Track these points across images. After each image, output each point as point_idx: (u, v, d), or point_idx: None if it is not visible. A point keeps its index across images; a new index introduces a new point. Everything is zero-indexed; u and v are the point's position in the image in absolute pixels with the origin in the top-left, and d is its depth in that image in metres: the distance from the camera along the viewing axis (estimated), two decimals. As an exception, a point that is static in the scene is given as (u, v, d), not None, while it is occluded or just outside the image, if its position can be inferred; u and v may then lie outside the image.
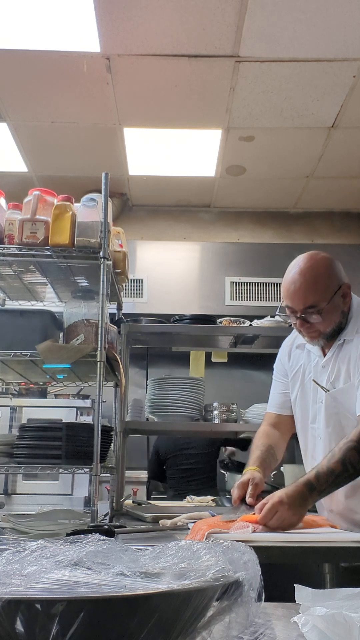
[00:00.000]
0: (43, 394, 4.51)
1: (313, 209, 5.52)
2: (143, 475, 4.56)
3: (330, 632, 0.75)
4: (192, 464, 4.39)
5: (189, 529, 1.78)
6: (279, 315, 2.04)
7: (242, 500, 1.85)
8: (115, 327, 2.77)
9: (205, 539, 1.48)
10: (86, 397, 4.50)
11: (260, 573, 0.75)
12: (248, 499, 1.83)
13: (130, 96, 3.90)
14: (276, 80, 3.71)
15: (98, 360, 2.33)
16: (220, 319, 3.44)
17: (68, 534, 1.54)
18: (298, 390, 2.07)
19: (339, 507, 1.90)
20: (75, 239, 2.41)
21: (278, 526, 1.63)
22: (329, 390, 1.92)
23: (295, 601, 0.85)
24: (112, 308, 2.82)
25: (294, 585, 0.86)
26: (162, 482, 4.67)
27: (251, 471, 1.94)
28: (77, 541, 0.84)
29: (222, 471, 4.04)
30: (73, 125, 4.25)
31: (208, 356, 3.48)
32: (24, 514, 2.64)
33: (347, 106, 3.96)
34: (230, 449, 4.36)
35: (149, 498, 4.38)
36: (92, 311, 2.53)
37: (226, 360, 3.54)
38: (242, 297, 5.09)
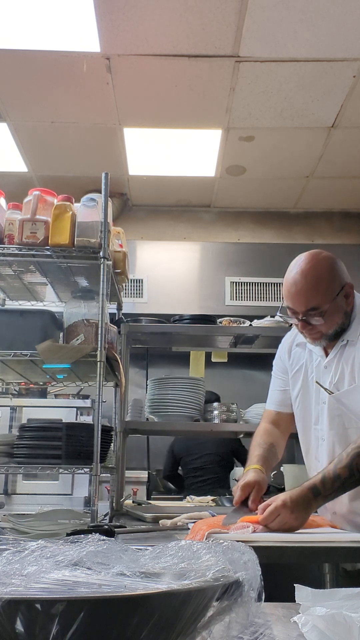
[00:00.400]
0: (43, 394, 4.51)
1: (313, 209, 5.52)
2: (143, 475, 4.56)
3: (330, 632, 0.75)
4: (205, 462, 4.41)
5: (189, 529, 1.78)
6: (280, 316, 2.01)
7: (244, 501, 1.83)
8: (115, 327, 2.77)
9: (205, 539, 1.48)
10: (86, 397, 4.50)
11: (260, 573, 0.75)
12: (251, 505, 1.80)
13: (130, 96, 3.90)
14: (276, 80, 3.71)
15: (98, 360, 2.33)
16: (220, 319, 3.44)
17: (68, 534, 1.54)
18: (299, 390, 2.04)
19: (342, 510, 1.89)
20: (75, 239, 2.42)
21: (279, 529, 1.62)
22: (332, 393, 1.89)
23: (295, 601, 0.85)
24: (112, 308, 2.81)
25: (294, 585, 0.86)
26: (176, 481, 4.67)
27: (254, 471, 1.91)
28: (77, 541, 0.84)
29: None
30: (73, 125, 4.25)
31: (208, 356, 3.48)
32: (24, 514, 2.63)
33: (347, 106, 3.96)
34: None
35: (149, 498, 4.38)
36: (92, 311, 2.53)
37: (226, 360, 3.54)
38: (242, 297, 5.09)
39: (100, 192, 2.49)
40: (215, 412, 3.17)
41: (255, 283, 5.11)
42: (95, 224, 2.44)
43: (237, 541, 0.83)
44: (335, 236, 5.47)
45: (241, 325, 3.37)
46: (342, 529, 1.83)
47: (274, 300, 4.96)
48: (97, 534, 0.88)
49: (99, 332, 2.37)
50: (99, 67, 3.62)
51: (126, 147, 4.50)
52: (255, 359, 4.72)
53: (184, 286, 5.10)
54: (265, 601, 0.75)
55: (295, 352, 2.09)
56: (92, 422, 2.37)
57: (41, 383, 3.21)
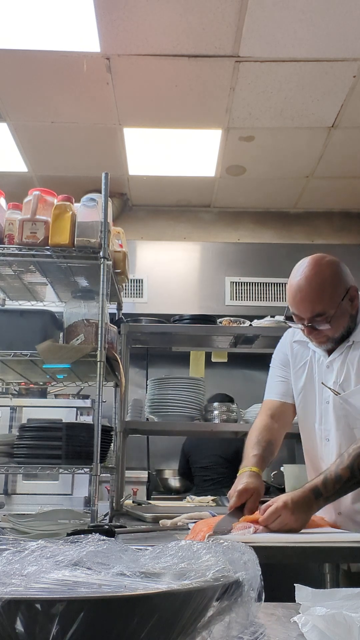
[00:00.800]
0: (43, 394, 4.51)
1: (313, 209, 5.52)
2: (143, 475, 4.57)
3: (330, 632, 0.75)
4: (212, 462, 4.41)
5: (189, 529, 1.78)
6: (286, 323, 1.99)
7: (239, 508, 1.77)
8: (115, 327, 2.77)
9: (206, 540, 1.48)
10: (86, 397, 4.50)
11: (260, 573, 0.75)
12: (246, 512, 1.75)
13: (130, 96, 3.90)
14: (276, 80, 3.71)
15: (98, 360, 2.33)
16: (220, 319, 3.45)
17: (68, 534, 1.54)
18: (302, 387, 2.02)
19: (347, 511, 1.88)
20: (75, 239, 2.42)
21: (279, 530, 1.62)
22: (339, 394, 1.88)
23: (295, 601, 0.85)
24: (112, 308, 2.81)
25: (294, 585, 0.86)
26: (190, 479, 4.67)
27: (252, 475, 1.84)
28: (77, 541, 0.83)
29: None
30: (73, 125, 4.25)
31: (208, 356, 3.48)
32: (24, 514, 2.63)
33: (347, 106, 3.96)
34: None
35: (149, 498, 4.38)
36: (92, 311, 2.54)
37: (226, 360, 3.53)
38: (242, 297, 5.09)
39: (100, 192, 2.49)
40: (216, 412, 3.17)
41: (255, 283, 5.10)
42: (95, 224, 2.44)
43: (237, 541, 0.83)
44: (335, 236, 5.47)
45: (241, 325, 3.37)
46: (347, 529, 1.83)
47: (274, 300, 4.95)
48: (97, 534, 0.88)
49: (99, 332, 2.37)
50: (99, 67, 3.62)
51: (126, 147, 4.50)
52: (255, 359, 4.71)
53: (184, 286, 5.10)
54: (265, 601, 0.75)
55: (297, 348, 2.07)
56: (92, 422, 2.37)
57: (41, 383, 3.21)
